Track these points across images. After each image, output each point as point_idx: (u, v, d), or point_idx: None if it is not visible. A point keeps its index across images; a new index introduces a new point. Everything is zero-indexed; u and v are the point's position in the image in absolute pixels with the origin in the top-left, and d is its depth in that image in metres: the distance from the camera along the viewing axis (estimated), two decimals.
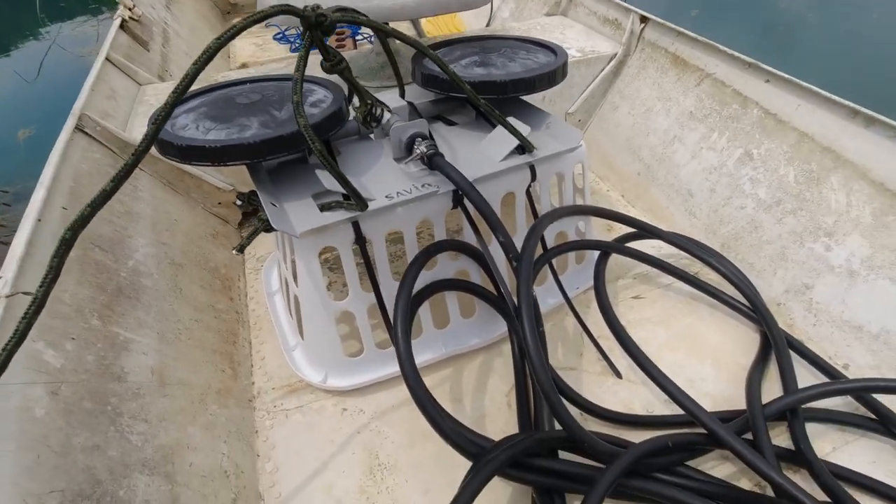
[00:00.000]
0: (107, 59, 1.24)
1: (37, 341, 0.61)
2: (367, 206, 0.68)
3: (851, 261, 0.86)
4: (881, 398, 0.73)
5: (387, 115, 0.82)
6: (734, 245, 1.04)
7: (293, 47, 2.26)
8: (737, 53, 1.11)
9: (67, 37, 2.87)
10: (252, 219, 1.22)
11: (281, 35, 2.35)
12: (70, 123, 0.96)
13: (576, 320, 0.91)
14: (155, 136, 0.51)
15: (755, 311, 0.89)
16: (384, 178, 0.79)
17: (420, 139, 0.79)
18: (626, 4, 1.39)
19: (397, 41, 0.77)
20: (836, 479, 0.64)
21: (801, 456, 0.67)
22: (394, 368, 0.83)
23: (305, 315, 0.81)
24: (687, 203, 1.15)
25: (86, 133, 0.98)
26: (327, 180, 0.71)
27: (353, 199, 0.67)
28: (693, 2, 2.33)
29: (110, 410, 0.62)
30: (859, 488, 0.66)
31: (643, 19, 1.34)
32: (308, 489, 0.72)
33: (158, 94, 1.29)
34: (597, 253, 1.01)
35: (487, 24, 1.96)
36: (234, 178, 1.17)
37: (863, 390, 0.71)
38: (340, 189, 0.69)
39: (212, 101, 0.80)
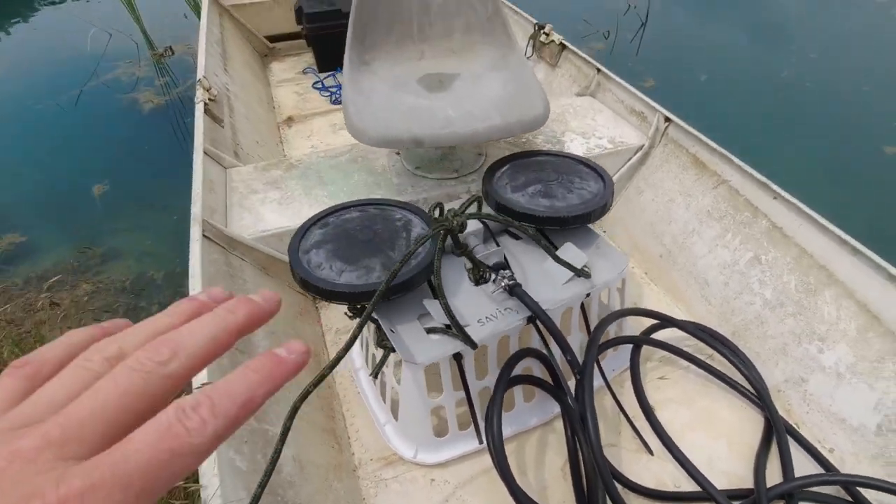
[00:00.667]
0: (204, 151, 1.42)
1: (228, 449, 0.80)
2: (476, 346, 0.88)
3: (839, 364, 1.07)
4: (864, 491, 0.94)
5: (472, 242, 1.02)
6: (743, 334, 1.24)
7: (333, 98, 2.44)
8: (750, 169, 1.31)
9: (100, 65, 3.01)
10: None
11: (320, 84, 2.53)
12: (196, 232, 1.14)
13: (614, 401, 1.12)
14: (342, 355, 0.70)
15: (760, 398, 1.10)
16: (471, 300, 0.98)
17: (502, 268, 0.99)
18: (652, 102, 1.58)
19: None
20: None
21: None
22: (472, 445, 1.04)
23: (404, 406, 1.01)
24: (703, 290, 1.35)
25: (206, 237, 1.17)
26: (437, 314, 0.91)
27: (462, 337, 0.87)
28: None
29: (280, 501, 0.82)
30: None
31: (667, 119, 1.54)
32: None
33: (242, 177, 1.47)
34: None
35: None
36: None
37: (851, 483, 0.93)
38: (446, 321, 0.89)
39: (333, 236, 0.99)
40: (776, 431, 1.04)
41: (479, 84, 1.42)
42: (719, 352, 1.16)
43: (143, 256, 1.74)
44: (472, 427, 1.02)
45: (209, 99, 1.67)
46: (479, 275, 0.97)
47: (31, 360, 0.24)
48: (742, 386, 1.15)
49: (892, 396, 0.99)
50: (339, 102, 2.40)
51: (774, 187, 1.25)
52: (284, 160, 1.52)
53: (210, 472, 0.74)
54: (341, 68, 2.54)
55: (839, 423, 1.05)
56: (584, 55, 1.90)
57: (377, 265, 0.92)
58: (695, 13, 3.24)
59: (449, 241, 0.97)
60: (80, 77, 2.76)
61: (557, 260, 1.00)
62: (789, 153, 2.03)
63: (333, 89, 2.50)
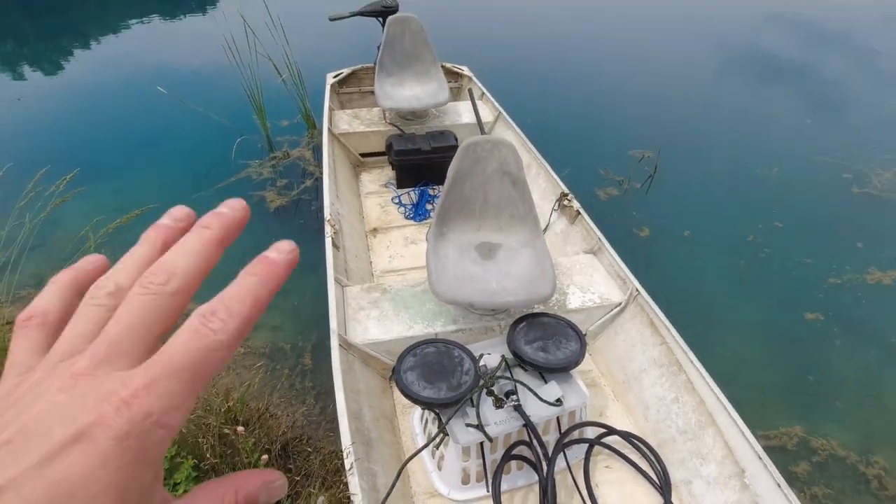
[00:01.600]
0: (335, 279, 2.25)
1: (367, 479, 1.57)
2: (491, 440, 1.64)
3: (709, 476, 1.76)
4: None
5: (497, 374, 1.79)
6: (663, 446, 1.94)
7: (407, 214, 3.28)
8: (679, 339, 2.03)
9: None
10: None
11: (398, 200, 3.39)
12: (334, 340, 1.94)
13: (571, 478, 1.83)
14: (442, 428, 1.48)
15: (663, 491, 1.80)
16: (491, 412, 1.74)
17: (512, 393, 1.75)
18: (629, 274, 2.34)
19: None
20: None
21: None
22: (483, 492, 1.77)
23: (445, 464, 1.76)
24: (645, 412, 2.06)
25: (342, 347, 1.97)
26: (472, 418, 1.67)
27: (484, 435, 1.63)
28: (686, 224, 3.32)
29: None
30: None
31: (635, 290, 2.29)
32: None
33: (354, 296, 2.28)
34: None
35: (545, 230, 2.93)
36: (388, 357, 2.13)
37: None
38: (479, 423, 1.65)
39: (419, 364, 1.77)
40: None
41: (514, 258, 2.22)
42: (645, 456, 1.87)
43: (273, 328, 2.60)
44: (484, 481, 1.75)
45: (333, 234, 2.53)
46: (499, 403, 1.74)
47: (34, 311, 0.27)
48: (654, 481, 1.85)
49: (731, 499, 1.68)
50: (413, 218, 3.26)
51: (692, 355, 1.98)
52: (379, 285, 2.34)
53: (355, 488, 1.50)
54: (415, 187, 3.44)
55: None
56: (590, 223, 2.68)
57: (444, 386, 1.70)
58: (692, 171, 4.05)
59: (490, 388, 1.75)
60: (221, 173, 3.74)
61: (541, 399, 1.76)
62: (727, 314, 2.75)
63: (408, 205, 3.35)
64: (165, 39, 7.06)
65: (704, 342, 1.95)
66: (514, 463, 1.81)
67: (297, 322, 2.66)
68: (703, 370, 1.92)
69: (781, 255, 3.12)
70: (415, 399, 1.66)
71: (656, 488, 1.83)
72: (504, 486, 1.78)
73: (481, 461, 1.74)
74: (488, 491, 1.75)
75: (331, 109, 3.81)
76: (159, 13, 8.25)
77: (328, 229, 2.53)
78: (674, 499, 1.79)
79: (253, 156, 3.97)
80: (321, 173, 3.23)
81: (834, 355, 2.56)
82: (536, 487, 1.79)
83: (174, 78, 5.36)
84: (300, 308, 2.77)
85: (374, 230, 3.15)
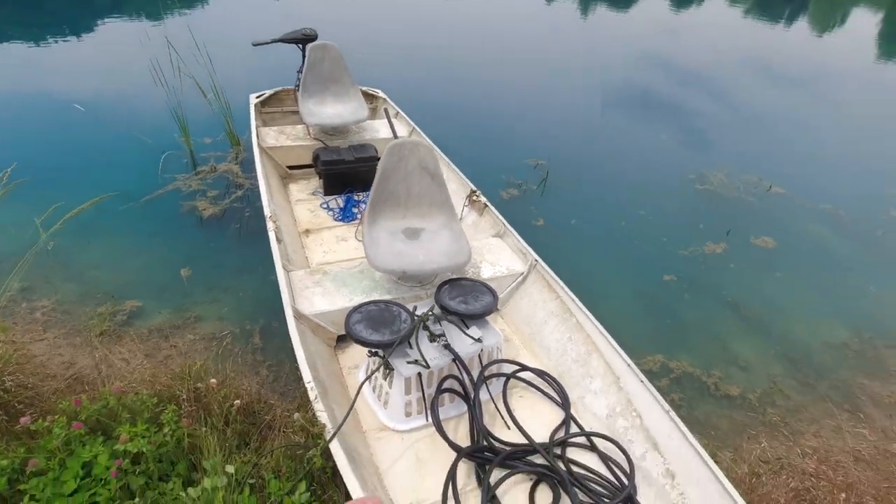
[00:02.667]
0: (282, 266, 2.53)
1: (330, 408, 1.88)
2: (429, 367, 2.02)
3: (596, 390, 2.27)
4: (595, 440, 2.12)
5: (431, 323, 2.18)
6: (563, 374, 2.43)
7: (336, 217, 3.61)
8: (570, 292, 2.56)
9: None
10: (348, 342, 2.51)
11: (326, 205, 3.71)
12: (289, 311, 2.23)
13: (493, 404, 2.25)
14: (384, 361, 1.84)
15: (564, 406, 2.27)
16: (428, 350, 2.12)
17: (441, 335, 2.15)
18: (529, 248, 2.85)
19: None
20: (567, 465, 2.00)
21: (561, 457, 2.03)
22: (423, 421, 2.13)
23: (391, 399, 2.11)
24: (548, 353, 2.55)
25: (295, 317, 2.26)
26: (414, 355, 2.05)
27: (424, 364, 2.02)
28: (574, 213, 4.00)
29: (343, 440, 1.88)
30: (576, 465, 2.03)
31: (535, 259, 2.81)
32: (393, 464, 2.00)
33: (300, 278, 2.57)
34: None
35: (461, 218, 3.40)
36: (333, 327, 2.46)
37: (590, 435, 2.10)
38: (418, 358, 2.02)
39: (365, 317, 2.12)
40: (567, 419, 2.21)
41: (435, 237, 2.65)
42: (550, 384, 2.35)
43: (220, 317, 2.79)
44: (424, 412, 2.12)
45: (276, 228, 2.81)
46: (433, 338, 2.13)
47: None
48: (557, 400, 2.32)
49: (610, 402, 2.19)
50: (341, 220, 3.59)
51: (579, 304, 2.51)
52: (321, 269, 2.66)
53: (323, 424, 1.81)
54: (340, 194, 3.78)
55: (593, 413, 2.23)
56: (496, 213, 3.19)
57: (387, 332, 2.06)
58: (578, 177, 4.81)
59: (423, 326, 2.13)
60: (148, 186, 3.83)
61: (466, 334, 2.18)
62: (606, 278, 3.41)
63: (336, 209, 3.68)
64: (81, 59, 6.82)
65: (590, 297, 2.46)
66: (446, 397, 2.20)
67: (242, 312, 2.88)
68: (588, 313, 2.44)
69: (645, 235, 3.87)
70: (364, 342, 2.00)
71: (559, 405, 2.30)
72: (440, 416, 2.16)
73: (420, 394, 2.11)
74: (428, 420, 2.12)
75: (257, 126, 4.06)
76: (74, 32, 7.90)
77: (270, 224, 2.81)
78: (572, 411, 2.27)
79: (179, 170, 4.09)
80: (253, 183, 3.48)
81: (683, 305, 3.26)
82: (467, 416, 2.19)
83: (92, 96, 5.27)
84: (243, 301, 2.98)
85: (307, 231, 3.44)
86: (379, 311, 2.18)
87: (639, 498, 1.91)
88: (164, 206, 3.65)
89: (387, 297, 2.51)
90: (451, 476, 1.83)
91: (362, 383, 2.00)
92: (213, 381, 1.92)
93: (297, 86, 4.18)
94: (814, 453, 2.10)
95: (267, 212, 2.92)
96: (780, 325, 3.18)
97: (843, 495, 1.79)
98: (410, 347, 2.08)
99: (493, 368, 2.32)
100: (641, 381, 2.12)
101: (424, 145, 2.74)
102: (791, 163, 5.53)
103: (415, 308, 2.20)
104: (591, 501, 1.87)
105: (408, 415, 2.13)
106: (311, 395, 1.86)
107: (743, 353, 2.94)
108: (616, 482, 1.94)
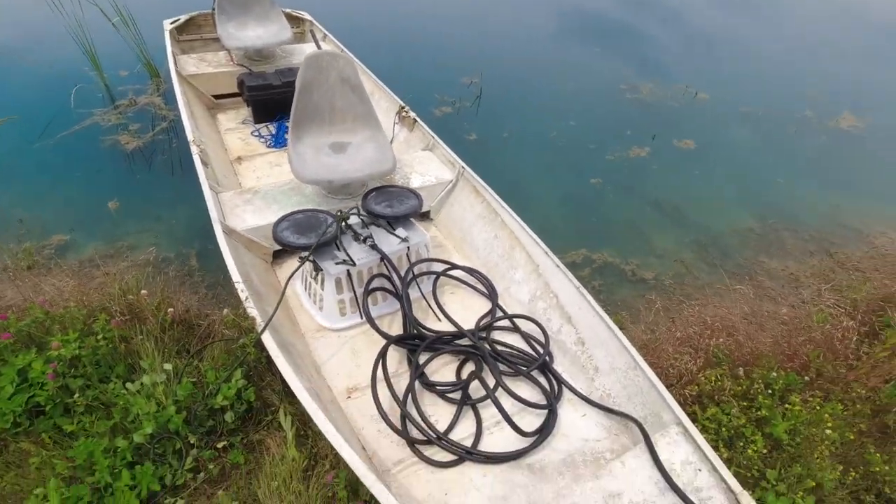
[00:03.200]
0: (209, 187, 2.52)
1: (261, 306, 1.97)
2: (355, 265, 2.12)
3: (520, 280, 2.44)
4: (517, 320, 2.31)
5: (358, 228, 2.26)
6: (491, 269, 2.59)
7: (268, 144, 3.55)
8: (494, 194, 2.67)
9: None
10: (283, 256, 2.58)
11: (257, 133, 3.63)
12: (218, 228, 2.26)
13: (424, 299, 2.40)
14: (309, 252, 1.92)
15: (491, 297, 2.44)
16: (355, 251, 2.22)
17: (368, 237, 2.24)
18: (457, 157, 2.93)
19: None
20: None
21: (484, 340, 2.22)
22: (357, 320, 2.26)
23: (325, 301, 2.22)
24: (478, 252, 2.68)
25: (224, 231, 2.29)
26: (341, 255, 2.14)
27: (350, 262, 2.11)
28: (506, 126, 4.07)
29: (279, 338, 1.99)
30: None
31: (462, 167, 2.89)
32: (331, 357, 2.14)
33: (229, 198, 2.57)
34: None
35: (391, 142, 3.42)
36: (267, 242, 2.51)
37: (511, 317, 2.29)
38: (345, 258, 2.12)
39: (292, 225, 2.18)
40: (493, 307, 2.38)
41: (361, 150, 2.68)
42: (479, 280, 2.50)
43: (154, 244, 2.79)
44: (357, 310, 2.24)
45: (200, 152, 2.76)
46: (357, 237, 2.22)
47: None
48: (484, 292, 2.49)
49: (531, 288, 2.37)
50: (273, 146, 3.54)
51: (503, 204, 2.63)
52: (251, 188, 2.66)
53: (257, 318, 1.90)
54: (271, 121, 3.70)
55: (517, 300, 2.42)
56: (426, 127, 3.22)
57: (314, 236, 2.13)
58: (510, 92, 4.83)
59: (347, 226, 2.21)
60: (62, 123, 3.63)
61: (391, 233, 2.28)
62: (537, 182, 3.56)
63: (267, 136, 3.62)
64: None
65: (519, 201, 2.57)
66: (379, 296, 2.32)
67: (176, 238, 2.88)
68: (512, 213, 2.56)
69: (574, 143, 4.00)
70: (291, 245, 2.07)
71: (487, 297, 2.46)
72: (374, 314, 2.29)
73: (352, 294, 2.22)
74: (362, 318, 2.24)
75: (174, 54, 3.85)
76: None
77: (194, 149, 2.76)
78: (500, 301, 2.43)
79: (95, 105, 3.86)
80: (176, 113, 3.35)
81: (608, 204, 3.46)
82: (400, 313, 2.33)
83: None
84: (176, 228, 2.97)
85: (239, 158, 3.38)
86: (306, 218, 2.24)
87: (555, 365, 2.13)
88: (82, 142, 3.49)
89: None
90: (381, 358, 1.98)
91: (290, 276, 2.06)
92: (145, 291, 1.96)
93: (214, 8, 3.95)
94: (707, 315, 2.37)
95: (190, 136, 2.85)
96: (694, 217, 3.43)
97: (722, 339, 2.06)
98: (338, 249, 2.17)
99: (423, 267, 2.44)
100: (557, 266, 2.29)
101: (344, 57, 2.70)
102: (721, 73, 5.71)
103: (339, 212, 2.27)
104: (511, 370, 2.07)
105: (342, 314, 2.25)
106: (242, 295, 1.94)
107: (659, 243, 3.18)
108: (535, 354, 2.14)
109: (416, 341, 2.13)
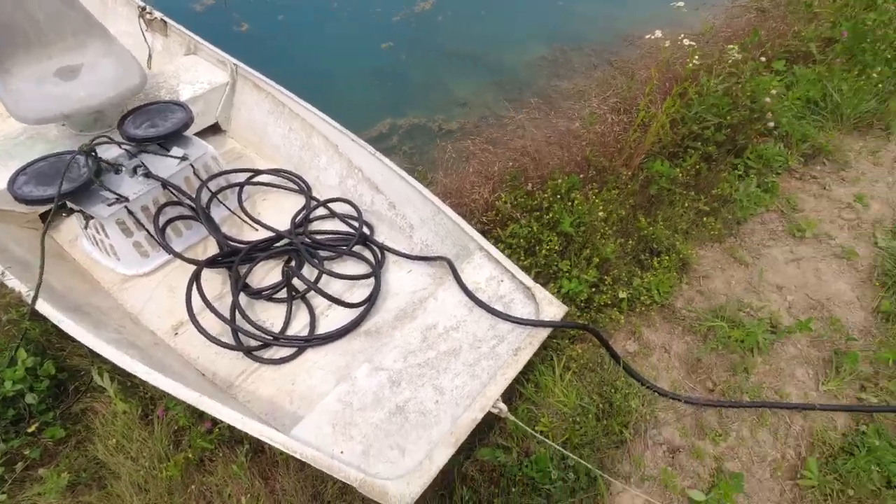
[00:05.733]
0: None
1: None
2: (129, 200, 1.89)
3: (332, 172, 2.37)
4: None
5: (123, 161, 1.98)
6: (298, 165, 2.48)
7: None
8: (281, 89, 2.45)
9: None
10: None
11: None
12: None
13: (231, 212, 2.26)
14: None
15: (304, 191, 2.36)
16: (129, 186, 1.97)
17: (139, 167, 1.99)
18: (228, 56, 2.59)
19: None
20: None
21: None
22: (165, 257, 2.08)
23: (120, 251, 1.99)
24: (279, 150, 2.51)
25: None
26: (110, 196, 1.89)
27: (123, 199, 1.88)
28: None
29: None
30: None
31: (235, 64, 2.59)
32: (146, 303, 1.98)
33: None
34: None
35: (149, 62, 2.93)
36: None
37: (322, 203, 2.25)
38: (116, 196, 1.87)
39: (33, 177, 1.84)
40: (308, 201, 2.31)
41: (97, 69, 2.26)
42: (285, 177, 2.38)
43: None
44: (159, 248, 2.05)
45: None
46: (118, 170, 1.95)
47: None
48: (295, 188, 2.39)
49: (338, 169, 2.31)
50: None
51: (291, 95, 2.43)
52: None
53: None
54: None
55: (328, 185, 2.36)
56: (183, 29, 2.78)
57: (65, 183, 1.84)
58: None
59: (99, 160, 1.93)
60: None
61: (166, 155, 2.04)
62: (325, 62, 3.35)
63: None
64: None
65: (315, 82, 2.40)
66: (182, 225, 2.13)
67: None
68: (300, 101, 2.37)
69: (356, 11, 3.77)
70: (32, 200, 1.77)
71: (300, 193, 2.37)
72: (181, 247, 2.11)
73: (146, 232, 2.01)
74: (169, 253, 2.06)
75: None
76: None
77: None
78: (314, 192, 2.36)
79: None
80: None
81: (403, 65, 3.40)
82: (212, 239, 2.17)
83: None
84: None
85: None
86: (49, 165, 1.91)
87: (377, 235, 2.18)
88: None
89: None
90: (192, 284, 1.88)
91: (43, 233, 1.78)
92: None
93: None
94: (512, 146, 2.53)
95: None
96: (489, 59, 3.50)
97: (512, 164, 2.23)
98: (103, 189, 1.90)
99: (221, 182, 2.26)
100: (354, 141, 2.24)
101: None
102: None
103: (92, 150, 1.95)
104: (333, 254, 2.08)
105: (145, 256, 2.05)
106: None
107: (461, 92, 3.24)
108: (354, 231, 2.15)
109: (231, 258, 2.03)
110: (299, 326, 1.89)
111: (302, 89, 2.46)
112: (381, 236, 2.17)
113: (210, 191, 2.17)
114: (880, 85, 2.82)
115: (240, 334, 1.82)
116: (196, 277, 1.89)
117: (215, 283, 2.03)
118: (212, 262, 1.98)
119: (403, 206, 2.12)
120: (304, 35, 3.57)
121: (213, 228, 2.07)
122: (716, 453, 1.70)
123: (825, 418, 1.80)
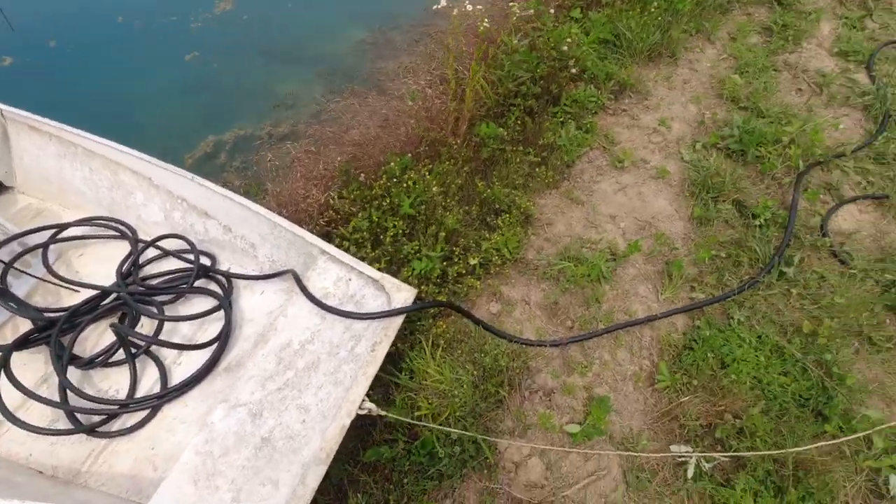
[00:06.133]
0: None
1: None
2: None
3: (148, 202, 2.14)
4: None
5: None
6: (111, 206, 2.20)
7: None
8: (67, 128, 2.14)
9: None
10: None
11: None
12: None
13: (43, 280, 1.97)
14: None
15: (126, 234, 2.11)
16: None
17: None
18: None
19: None
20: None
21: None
22: None
23: None
24: (86, 195, 2.23)
25: None
26: None
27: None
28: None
29: None
30: None
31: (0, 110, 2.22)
32: None
33: None
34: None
35: None
36: None
37: (151, 244, 2.04)
38: None
39: None
40: (134, 245, 2.07)
41: None
42: (103, 224, 2.11)
43: None
44: None
45: None
46: None
47: None
48: (118, 234, 2.14)
49: (160, 203, 2.11)
50: None
51: (72, 129, 2.12)
52: None
53: None
54: None
55: (154, 222, 2.15)
56: None
57: None
58: None
59: None
60: None
61: None
62: (119, 86, 3.00)
63: None
64: None
65: (117, 110, 2.10)
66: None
67: None
68: (93, 136, 2.11)
69: (151, 21, 3.41)
70: None
71: (122, 238, 2.12)
72: None
73: None
74: None
75: None
76: None
77: None
78: (140, 234, 2.12)
79: None
80: None
81: (214, 76, 3.16)
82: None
83: None
84: None
85: None
86: None
87: (221, 263, 2.03)
88: None
89: None
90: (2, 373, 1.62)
91: None
92: None
93: None
94: (345, 138, 2.46)
95: None
96: (308, 52, 3.37)
97: (343, 157, 2.19)
98: None
99: (15, 247, 1.96)
100: (166, 169, 2.05)
101: None
102: None
103: None
104: (172, 296, 1.91)
105: None
106: None
107: (287, 91, 3.09)
108: (191, 265, 1.98)
109: (49, 331, 1.78)
110: (150, 383, 1.72)
111: (99, 122, 2.19)
112: (225, 263, 2.03)
113: (3, 262, 1.87)
114: (660, 18, 3.15)
115: (77, 414, 1.61)
116: (4, 365, 1.63)
117: (37, 363, 1.77)
118: (23, 343, 1.72)
119: (239, 227, 1.99)
120: (88, 59, 3.15)
121: (17, 304, 1.79)
122: (584, 384, 1.84)
123: (668, 324, 2.03)
